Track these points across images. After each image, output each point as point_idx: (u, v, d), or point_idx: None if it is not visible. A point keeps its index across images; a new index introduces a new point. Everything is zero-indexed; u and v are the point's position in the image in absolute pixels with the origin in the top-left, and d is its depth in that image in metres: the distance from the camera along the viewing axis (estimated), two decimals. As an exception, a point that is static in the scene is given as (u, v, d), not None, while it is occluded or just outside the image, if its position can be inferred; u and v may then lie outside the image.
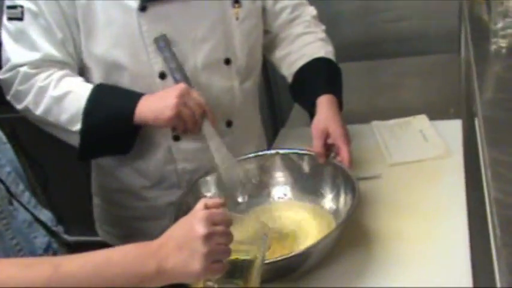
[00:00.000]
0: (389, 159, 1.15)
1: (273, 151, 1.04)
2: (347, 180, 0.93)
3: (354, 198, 0.86)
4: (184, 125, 0.91)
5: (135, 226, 1.12)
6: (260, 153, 1.05)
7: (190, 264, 0.63)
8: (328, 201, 0.99)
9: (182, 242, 0.64)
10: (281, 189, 1.03)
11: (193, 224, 0.64)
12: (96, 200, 1.18)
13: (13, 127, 1.54)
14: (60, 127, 0.96)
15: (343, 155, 0.94)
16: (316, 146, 0.97)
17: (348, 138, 0.97)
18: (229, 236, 0.66)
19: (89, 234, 1.33)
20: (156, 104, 0.90)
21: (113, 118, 0.93)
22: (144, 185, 1.07)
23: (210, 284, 0.68)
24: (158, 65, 0.96)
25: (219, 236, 0.65)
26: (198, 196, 0.99)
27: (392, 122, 1.29)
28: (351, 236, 0.93)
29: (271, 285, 0.85)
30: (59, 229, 0.94)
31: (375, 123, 1.29)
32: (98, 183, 1.16)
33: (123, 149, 0.98)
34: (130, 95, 0.94)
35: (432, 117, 1.26)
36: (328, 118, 0.98)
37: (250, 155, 1.03)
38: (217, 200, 0.70)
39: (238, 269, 0.71)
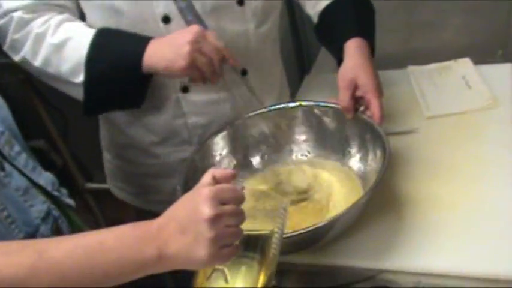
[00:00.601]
0: (427, 111, 1.02)
1: (294, 103, 0.92)
2: (377, 139, 0.82)
3: (384, 161, 0.75)
4: (201, 74, 0.79)
5: (147, 183, 1.05)
6: (280, 105, 0.93)
7: (195, 250, 0.54)
8: (355, 160, 0.88)
9: (185, 224, 0.55)
10: (303, 146, 0.93)
11: (198, 204, 0.55)
12: (106, 155, 1.11)
13: (27, 73, 1.45)
14: (63, 79, 0.86)
15: (374, 110, 0.82)
16: (343, 99, 0.85)
17: (379, 90, 0.84)
18: (240, 216, 0.57)
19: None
20: (167, 51, 0.79)
21: (119, 66, 0.82)
22: (153, 140, 0.98)
23: (220, 267, 0.60)
24: (161, 7, 0.83)
25: (228, 216, 0.55)
26: (210, 155, 0.90)
27: (430, 66, 1.15)
28: (381, 202, 0.82)
29: (289, 257, 0.77)
30: (62, 192, 0.86)
31: (410, 68, 1.16)
32: (106, 137, 1.08)
33: (134, 102, 0.88)
34: (138, 39, 0.83)
35: (477, 60, 1.11)
36: (356, 66, 0.85)
37: (270, 108, 0.92)
38: (227, 172, 0.61)
39: (252, 243, 0.63)
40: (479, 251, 0.73)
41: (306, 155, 0.92)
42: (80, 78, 0.84)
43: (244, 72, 0.95)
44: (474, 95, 1.03)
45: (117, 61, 0.82)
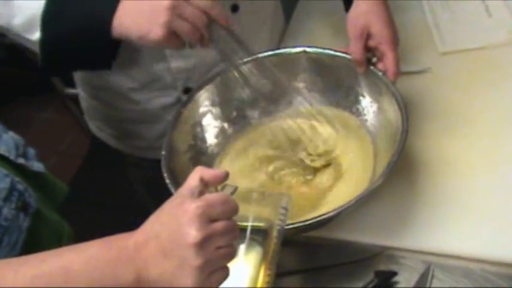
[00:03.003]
0: (441, 46, 0.90)
1: (298, 49, 0.79)
2: (391, 99, 0.71)
3: (399, 142, 0.64)
4: (183, 42, 0.66)
5: (127, 128, 0.94)
6: (281, 50, 0.80)
7: (180, 278, 0.46)
8: (365, 117, 0.77)
9: (168, 246, 0.46)
10: (305, 97, 0.81)
11: (183, 225, 0.46)
12: (81, 92, 0.97)
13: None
14: (16, 33, 0.71)
15: (389, 65, 0.71)
16: (355, 51, 0.72)
17: (395, 40, 0.72)
18: (233, 233, 0.49)
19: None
20: (141, 17, 0.64)
21: (83, 27, 0.67)
22: (132, 86, 0.85)
23: None
24: None
25: (218, 236, 0.47)
26: (198, 107, 0.79)
27: (445, -15, 0.99)
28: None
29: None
30: (29, 155, 0.75)
31: (423, -15, 1.00)
32: (79, 76, 0.93)
33: (102, 65, 0.74)
34: None
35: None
36: (369, 12, 0.71)
37: (269, 52, 0.79)
38: (218, 173, 0.51)
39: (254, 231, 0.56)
40: (498, 230, 0.66)
41: (309, 107, 0.81)
42: (36, 35, 0.68)
43: (235, 8, 0.80)
44: (495, 25, 0.90)
45: (81, 22, 0.66)
